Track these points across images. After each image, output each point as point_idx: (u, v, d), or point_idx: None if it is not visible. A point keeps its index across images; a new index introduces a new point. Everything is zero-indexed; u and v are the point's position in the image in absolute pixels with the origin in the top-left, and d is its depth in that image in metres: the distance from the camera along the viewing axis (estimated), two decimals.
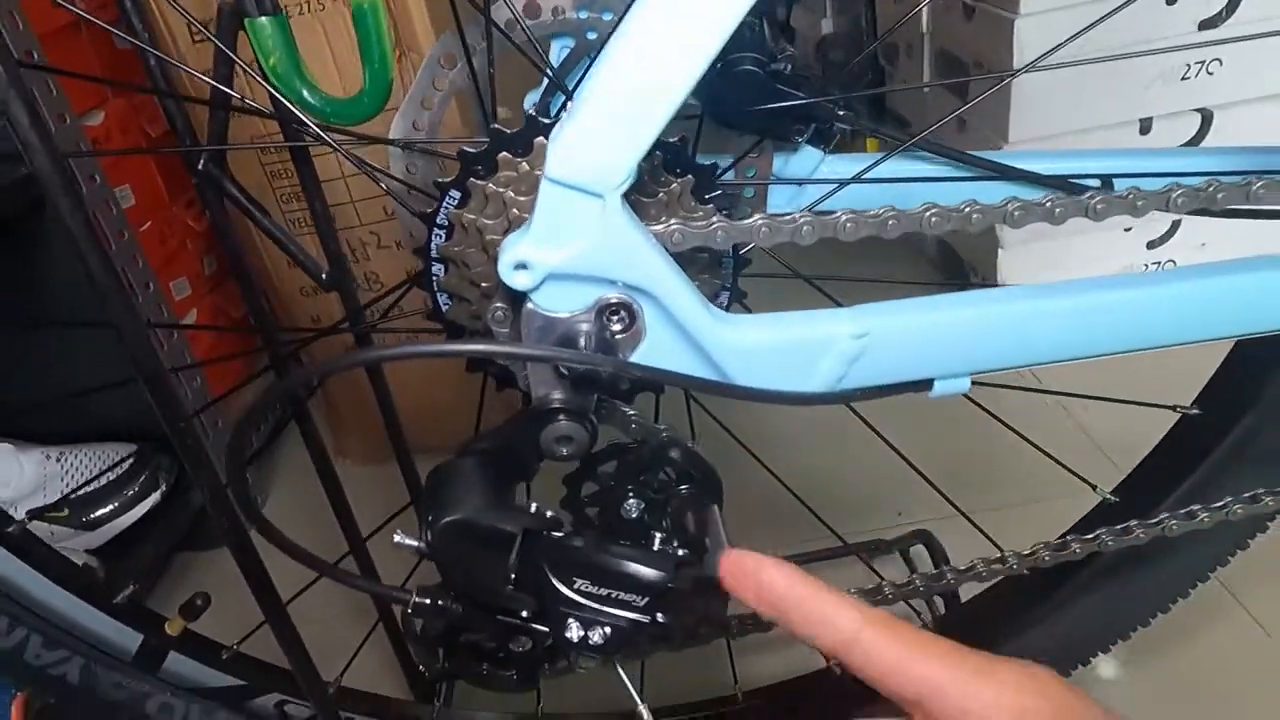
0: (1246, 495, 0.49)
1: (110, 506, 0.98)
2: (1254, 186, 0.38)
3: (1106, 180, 0.52)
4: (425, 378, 1.06)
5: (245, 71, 0.46)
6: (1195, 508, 0.50)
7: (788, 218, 0.36)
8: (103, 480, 0.98)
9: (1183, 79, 1.16)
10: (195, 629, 0.60)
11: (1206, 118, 1.20)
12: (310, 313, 1.13)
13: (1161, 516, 0.50)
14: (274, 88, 0.44)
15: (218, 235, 0.49)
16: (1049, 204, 0.38)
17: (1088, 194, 0.38)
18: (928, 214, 0.37)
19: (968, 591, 0.66)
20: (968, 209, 0.37)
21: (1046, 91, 1.18)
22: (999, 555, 0.51)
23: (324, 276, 0.52)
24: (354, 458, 1.22)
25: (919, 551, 0.84)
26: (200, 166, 0.48)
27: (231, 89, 0.46)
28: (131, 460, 1.00)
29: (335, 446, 1.24)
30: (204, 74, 0.46)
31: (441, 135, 0.50)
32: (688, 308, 0.35)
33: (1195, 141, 1.22)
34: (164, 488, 1.01)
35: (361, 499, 0.65)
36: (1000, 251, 1.30)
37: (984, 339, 0.38)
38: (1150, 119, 1.20)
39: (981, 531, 0.56)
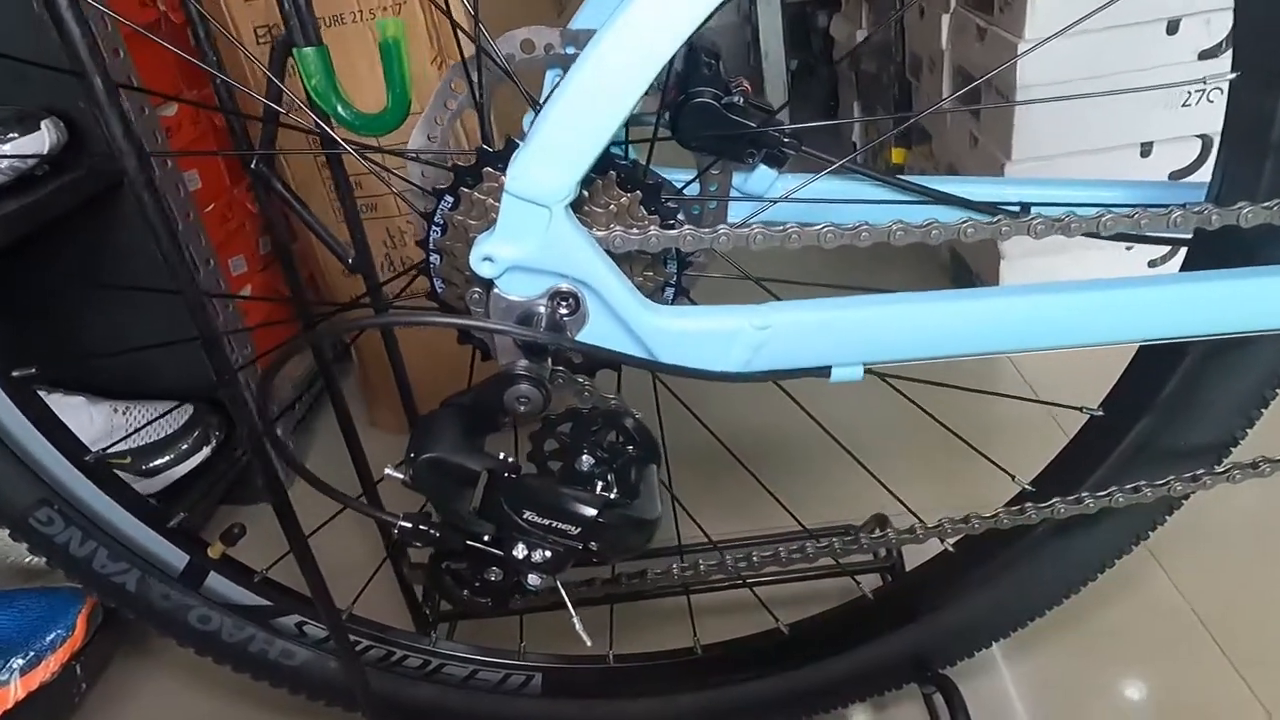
0: (1129, 486, 0.56)
1: (167, 457, 1.10)
2: (1103, 219, 0.45)
3: (1025, 206, 0.59)
4: (438, 350, 1.17)
5: (290, 93, 0.56)
6: (1083, 495, 0.57)
7: (708, 229, 0.45)
8: (161, 433, 1.10)
9: (1184, 105, 1.21)
10: (233, 555, 0.71)
11: (1207, 143, 1.24)
12: (351, 292, 1.25)
13: (1052, 501, 0.57)
14: (313, 105, 0.54)
15: (266, 223, 0.59)
16: (929, 227, 0.46)
17: (962, 221, 0.46)
18: (824, 230, 0.45)
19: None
20: (858, 228, 0.45)
21: (1049, 114, 1.23)
22: (911, 526, 0.59)
23: (350, 260, 0.62)
24: (385, 426, 1.34)
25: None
26: (253, 166, 0.59)
27: (280, 105, 0.56)
28: (187, 418, 1.12)
29: (368, 417, 1.36)
30: (257, 90, 0.56)
31: (454, 147, 0.60)
32: (621, 298, 0.44)
33: (1196, 166, 1.26)
34: (214, 444, 1.12)
35: (391, 461, 0.76)
36: (1002, 263, 1.36)
37: (870, 335, 0.46)
38: (1151, 143, 1.25)
39: (899, 501, 0.64)
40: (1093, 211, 0.46)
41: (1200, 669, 0.82)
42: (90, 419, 1.08)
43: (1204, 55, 1.16)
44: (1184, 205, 0.46)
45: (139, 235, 0.98)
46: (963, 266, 1.52)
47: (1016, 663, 0.83)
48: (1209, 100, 1.20)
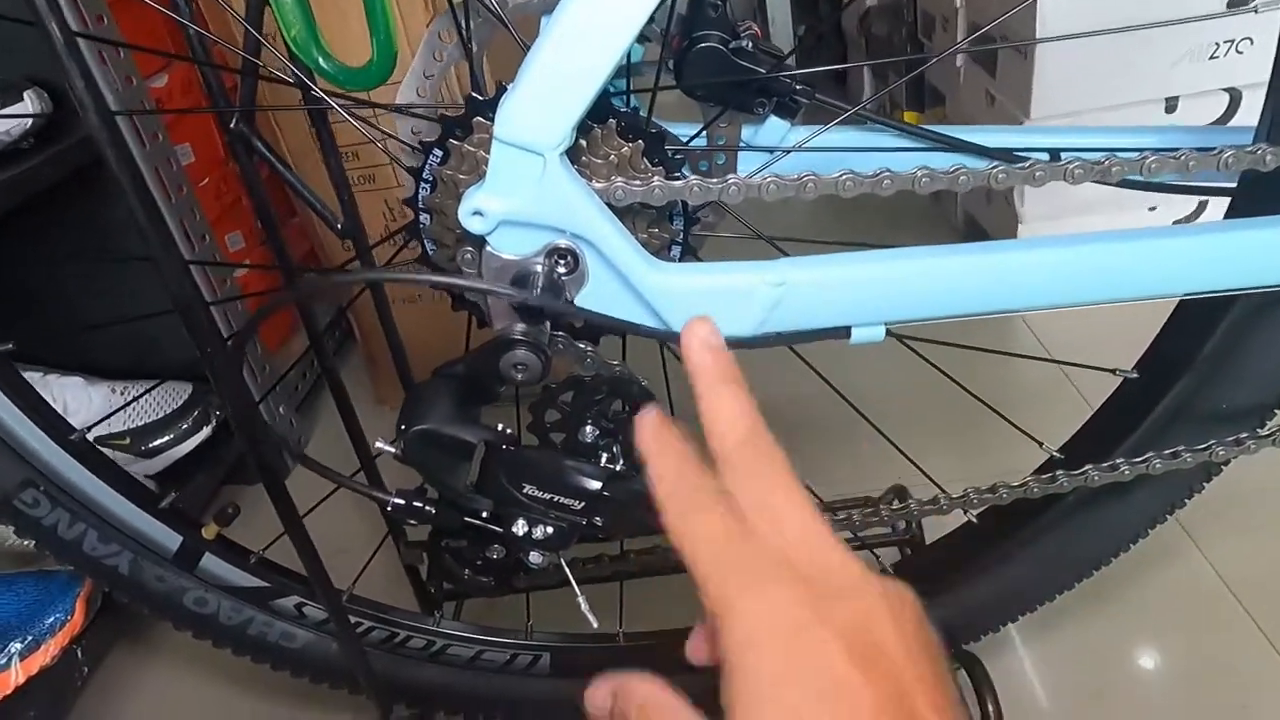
0: (1167, 453, 0.53)
1: (166, 437, 1.08)
2: (1148, 161, 0.41)
3: (1054, 154, 0.55)
4: (438, 323, 1.15)
5: (273, 41, 0.52)
6: (1118, 461, 0.53)
7: (716, 180, 0.42)
8: (161, 413, 1.08)
9: (1211, 58, 1.16)
10: (231, 536, 0.69)
11: (1235, 97, 1.19)
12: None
13: (1085, 469, 0.54)
14: (293, 56, 0.50)
15: (245, 185, 0.56)
16: (957, 173, 0.42)
17: (992, 165, 0.42)
18: (842, 178, 0.41)
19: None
20: (880, 175, 0.42)
21: (1070, 68, 1.18)
22: (934, 497, 0.56)
23: (339, 226, 0.59)
24: (393, 403, 1.32)
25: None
26: (233, 126, 0.55)
27: (259, 59, 0.53)
28: (187, 397, 1.10)
29: (375, 394, 1.33)
30: (236, 46, 0.53)
31: (447, 102, 0.57)
32: (623, 254, 0.40)
33: (1223, 121, 1.21)
34: (214, 423, 1.10)
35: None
36: (1020, 226, 1.32)
37: (892, 292, 0.43)
38: (1176, 98, 1.20)
39: (920, 469, 0.61)
40: (1134, 155, 0.42)
41: (1232, 640, 0.79)
42: (89, 399, 1.06)
43: (1233, 3, 1.11)
44: (1235, 145, 0.42)
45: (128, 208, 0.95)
46: (977, 231, 1.48)
47: (1041, 637, 0.80)
48: (1238, 52, 1.15)
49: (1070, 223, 1.30)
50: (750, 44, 0.52)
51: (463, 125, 0.44)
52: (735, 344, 0.44)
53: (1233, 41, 1.14)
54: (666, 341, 0.43)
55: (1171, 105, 1.20)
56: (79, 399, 1.05)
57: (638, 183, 0.41)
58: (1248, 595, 0.82)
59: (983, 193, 1.43)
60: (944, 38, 1.55)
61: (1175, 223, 1.29)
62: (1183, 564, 0.85)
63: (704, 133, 0.54)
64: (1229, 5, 1.11)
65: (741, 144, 0.51)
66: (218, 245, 1.16)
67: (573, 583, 0.46)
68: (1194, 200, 1.28)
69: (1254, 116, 0.49)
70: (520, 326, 0.43)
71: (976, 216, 1.48)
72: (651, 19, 0.39)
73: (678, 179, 0.42)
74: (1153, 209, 1.29)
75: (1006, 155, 0.54)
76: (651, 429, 0.34)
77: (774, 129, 0.56)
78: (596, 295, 0.42)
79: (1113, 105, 1.20)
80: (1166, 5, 1.12)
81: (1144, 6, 1.12)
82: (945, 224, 1.59)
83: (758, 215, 0.56)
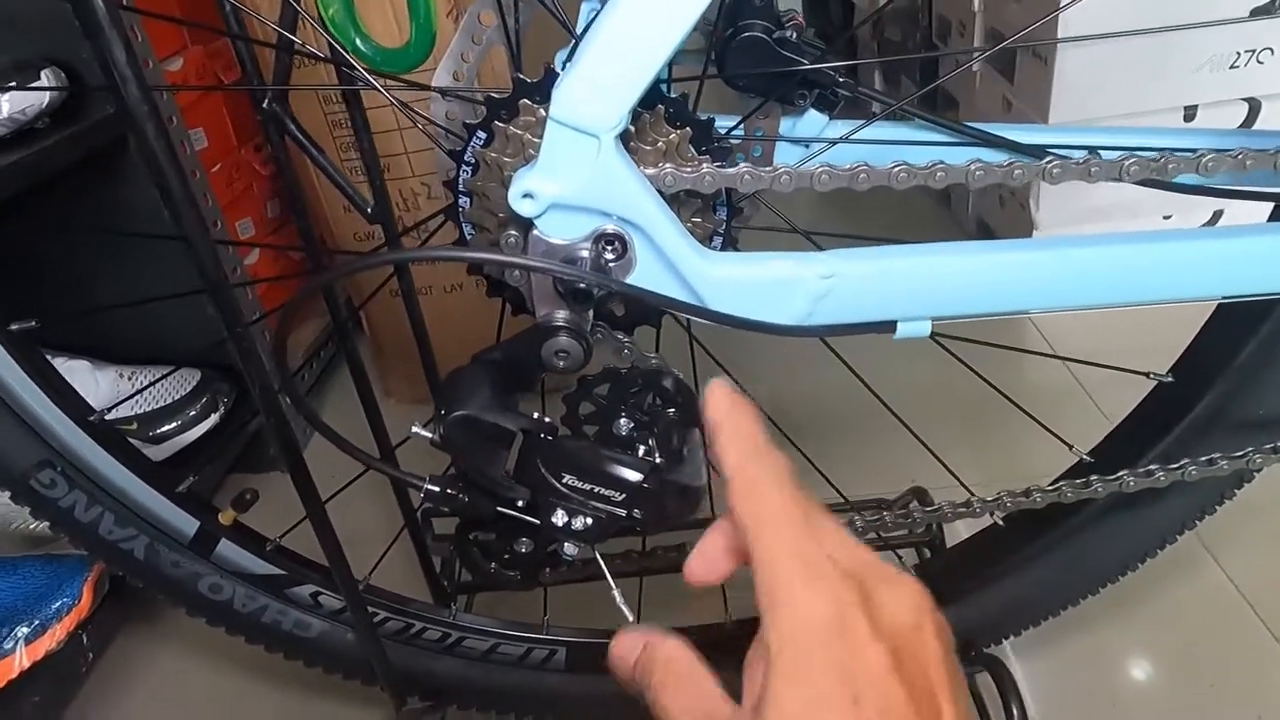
0: (1204, 459, 0.53)
1: (174, 424, 1.07)
2: (1204, 159, 0.41)
3: (1093, 151, 0.55)
4: (455, 319, 1.14)
5: (308, 22, 0.52)
6: (1153, 467, 0.53)
7: (768, 168, 0.41)
8: (169, 399, 1.07)
9: (1231, 66, 1.16)
10: (245, 523, 0.68)
11: (1254, 107, 1.19)
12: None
13: (1120, 474, 0.53)
14: (331, 35, 0.50)
15: (277, 167, 0.55)
16: (1011, 167, 0.42)
17: (1046, 159, 0.42)
18: (895, 170, 0.41)
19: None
20: (934, 167, 0.41)
21: (1090, 74, 1.18)
22: (966, 499, 0.55)
23: (370, 210, 0.58)
24: (399, 396, 1.31)
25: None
26: (265, 105, 0.54)
27: (295, 36, 0.52)
28: (195, 383, 1.09)
29: (382, 387, 1.32)
30: (272, 22, 0.52)
31: (482, 85, 0.56)
32: (672, 241, 0.40)
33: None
34: (222, 410, 1.09)
35: (405, 433, 0.72)
36: (1035, 232, 1.31)
37: (942, 286, 0.42)
38: (1196, 106, 1.20)
39: (951, 472, 0.60)
40: (1190, 153, 0.41)
41: (1248, 650, 0.78)
42: (96, 383, 1.04)
43: (1256, 12, 1.11)
44: None
45: (146, 189, 0.95)
46: (988, 235, 1.48)
47: (1056, 643, 0.79)
48: (1259, 62, 1.15)
49: (1085, 228, 1.30)
50: (794, 34, 0.51)
51: (509, 107, 0.43)
52: (780, 332, 0.43)
53: (1254, 51, 1.14)
54: (712, 320, 0.42)
55: (1190, 114, 1.20)
56: (86, 383, 1.04)
57: (688, 169, 0.41)
58: (1264, 605, 0.82)
59: (996, 196, 1.43)
60: (960, 42, 1.55)
61: None
62: (1199, 574, 0.85)
63: (744, 123, 0.53)
64: (1253, 14, 1.11)
65: (787, 136, 0.50)
66: (229, 232, 1.15)
67: (608, 575, 0.45)
68: (1208, 209, 1.28)
69: (1272, 126, 0.48)
70: (563, 313, 0.42)
71: (989, 221, 1.48)
72: None
73: (728, 166, 0.41)
74: (1168, 217, 1.29)
75: (1048, 152, 0.53)
76: (725, 397, 0.34)
77: (813, 122, 0.55)
78: (642, 282, 0.41)
79: (1132, 112, 1.20)
80: (1189, 11, 1.12)
81: (1166, 15, 1.13)
82: (955, 227, 1.59)
83: (767, 211, 0.56)
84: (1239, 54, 1.15)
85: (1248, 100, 1.19)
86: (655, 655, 0.33)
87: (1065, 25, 1.14)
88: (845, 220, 1.49)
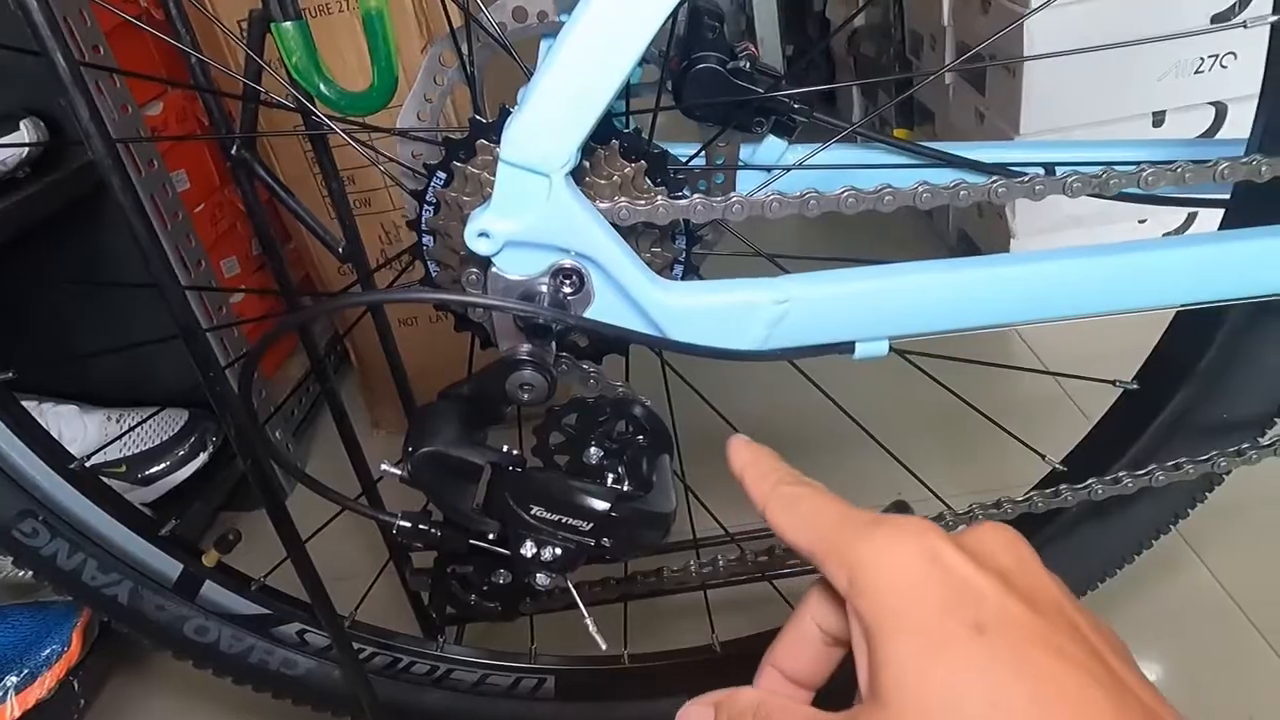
0: (1170, 464, 0.53)
1: (163, 464, 1.07)
2: (1144, 173, 0.42)
3: (1048, 168, 0.56)
4: (438, 349, 1.14)
5: (275, 70, 0.53)
6: (1120, 474, 0.54)
7: (720, 199, 0.42)
8: (157, 440, 1.08)
9: (1196, 72, 1.18)
10: (229, 563, 0.68)
11: (1220, 111, 1.21)
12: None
13: (1089, 482, 0.54)
14: (295, 83, 0.51)
15: (247, 211, 0.56)
16: (958, 188, 0.43)
17: (992, 179, 0.43)
18: (844, 195, 0.42)
19: None
20: (880, 191, 0.42)
21: (1058, 84, 1.20)
22: (939, 512, 0.56)
23: (340, 249, 0.59)
24: (388, 427, 1.31)
25: None
26: (234, 152, 0.56)
27: (260, 85, 0.53)
28: (183, 424, 1.10)
29: (371, 419, 1.33)
30: (238, 73, 0.53)
31: (445, 127, 0.57)
32: (628, 273, 0.41)
33: (1210, 134, 1.23)
34: (210, 449, 1.10)
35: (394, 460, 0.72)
36: (1012, 242, 1.33)
37: (895, 306, 0.43)
38: (1163, 112, 1.21)
39: (922, 483, 0.61)
40: (1131, 168, 0.43)
41: (1236, 649, 0.79)
42: (84, 428, 1.05)
43: (1216, 19, 1.13)
44: (1230, 157, 0.43)
45: (125, 238, 0.96)
46: (970, 247, 1.49)
47: None
48: (1222, 66, 1.17)
49: (1062, 236, 1.31)
50: (748, 64, 0.52)
51: (466, 148, 0.44)
52: (739, 358, 0.44)
53: (1217, 56, 1.16)
54: (670, 350, 0.43)
55: (1158, 119, 1.22)
56: (74, 428, 1.04)
57: (642, 202, 0.42)
58: (1250, 604, 0.82)
59: (975, 209, 1.44)
60: (932, 56, 1.57)
61: (1166, 235, 1.30)
62: (1184, 574, 0.85)
63: (703, 153, 0.54)
64: (1213, 20, 1.13)
65: (741, 163, 0.51)
66: (214, 271, 1.16)
67: (580, 605, 0.45)
68: (1183, 213, 1.29)
69: (1239, 130, 0.49)
70: (526, 347, 0.43)
71: (969, 232, 1.49)
72: (651, 41, 0.39)
73: (681, 197, 0.42)
74: (1143, 222, 1.31)
75: (1004, 170, 0.54)
76: (745, 447, 0.34)
77: (772, 148, 0.56)
78: (602, 314, 0.42)
79: (1101, 120, 1.22)
80: (1151, 22, 1.14)
81: (1129, 24, 1.15)
82: (938, 240, 1.61)
83: (752, 235, 0.57)
84: (1203, 59, 1.16)
85: (1214, 104, 1.20)
86: (738, 706, 0.30)
87: (1030, 38, 1.16)
88: (830, 240, 1.51)
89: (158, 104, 1.11)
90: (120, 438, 1.02)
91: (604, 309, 0.42)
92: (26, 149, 0.84)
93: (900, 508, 0.83)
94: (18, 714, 0.78)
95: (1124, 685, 0.25)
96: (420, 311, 1.21)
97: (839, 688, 0.32)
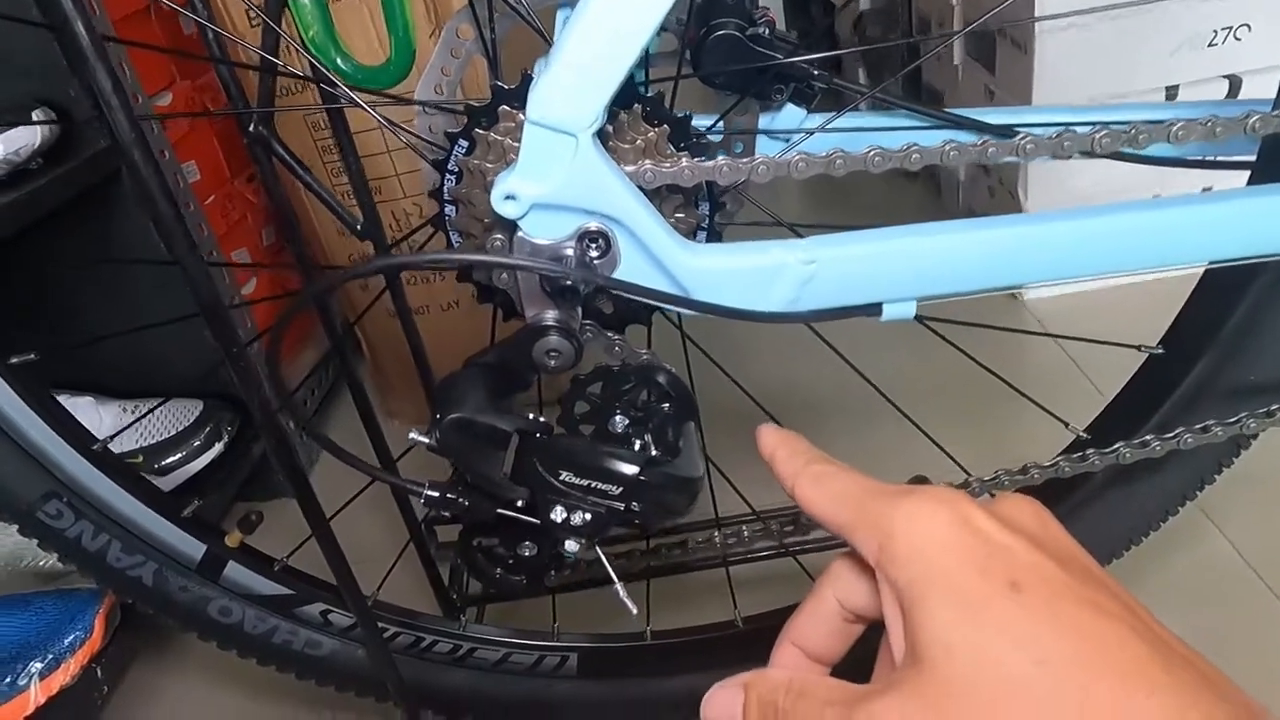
0: (1198, 427, 0.53)
1: (179, 455, 1.07)
2: (1174, 128, 0.42)
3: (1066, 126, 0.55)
4: (452, 335, 1.14)
5: (290, 45, 0.52)
6: (1148, 438, 0.53)
7: (746, 159, 0.42)
8: (173, 430, 1.08)
9: (1210, 44, 1.17)
10: (252, 545, 0.68)
11: (1235, 84, 1.20)
12: None
13: (1116, 447, 0.53)
14: (312, 55, 0.51)
15: (265, 189, 0.56)
16: (985, 145, 0.42)
17: (1020, 136, 0.42)
18: (870, 154, 0.42)
19: None
20: (909, 149, 0.42)
21: (1068, 60, 1.19)
22: (964, 480, 0.56)
23: (359, 227, 0.59)
24: (402, 418, 1.31)
25: None
26: (251, 128, 0.55)
27: (277, 58, 0.53)
28: (198, 414, 1.10)
29: (384, 408, 1.33)
30: (254, 46, 0.53)
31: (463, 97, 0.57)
32: (654, 235, 0.40)
33: None
34: (226, 439, 1.10)
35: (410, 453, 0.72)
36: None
37: (925, 266, 0.43)
38: (1177, 86, 1.20)
39: (944, 451, 0.60)
40: (1161, 122, 0.42)
41: (1256, 616, 0.78)
42: (100, 418, 1.05)
43: None
44: (1261, 110, 0.42)
45: (139, 223, 0.96)
46: None
47: None
48: (1236, 38, 1.16)
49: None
50: (767, 30, 0.52)
51: (488, 115, 0.44)
52: (766, 319, 0.44)
53: (1230, 28, 1.15)
54: (698, 311, 0.43)
55: (1172, 94, 1.21)
56: (90, 418, 1.04)
57: (667, 165, 0.42)
58: (1269, 571, 0.81)
59: (985, 186, 1.44)
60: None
61: None
62: (1202, 542, 0.85)
63: (723, 120, 0.54)
64: None
65: (765, 129, 0.51)
66: (225, 261, 1.16)
67: (609, 571, 0.45)
68: (1196, 188, 1.28)
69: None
70: (552, 313, 0.43)
71: (977, 209, 1.49)
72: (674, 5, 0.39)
73: (707, 160, 0.42)
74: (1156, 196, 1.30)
75: (1008, 131, 0.54)
76: (773, 433, 0.35)
77: (791, 115, 0.56)
78: (627, 277, 0.42)
79: (1114, 95, 1.21)
80: None
81: None
82: (945, 216, 1.60)
83: (778, 196, 0.56)
84: (1216, 31, 1.15)
85: (1228, 78, 1.19)
86: (768, 685, 0.29)
87: (1042, 8, 1.15)
88: (838, 216, 1.50)
89: (167, 94, 1.11)
90: (137, 422, 1.02)
91: (630, 271, 0.42)
92: (39, 140, 0.84)
93: (922, 483, 0.83)
94: (41, 700, 0.78)
95: (1162, 638, 0.25)
96: (432, 298, 1.20)
97: (852, 665, 0.32)
